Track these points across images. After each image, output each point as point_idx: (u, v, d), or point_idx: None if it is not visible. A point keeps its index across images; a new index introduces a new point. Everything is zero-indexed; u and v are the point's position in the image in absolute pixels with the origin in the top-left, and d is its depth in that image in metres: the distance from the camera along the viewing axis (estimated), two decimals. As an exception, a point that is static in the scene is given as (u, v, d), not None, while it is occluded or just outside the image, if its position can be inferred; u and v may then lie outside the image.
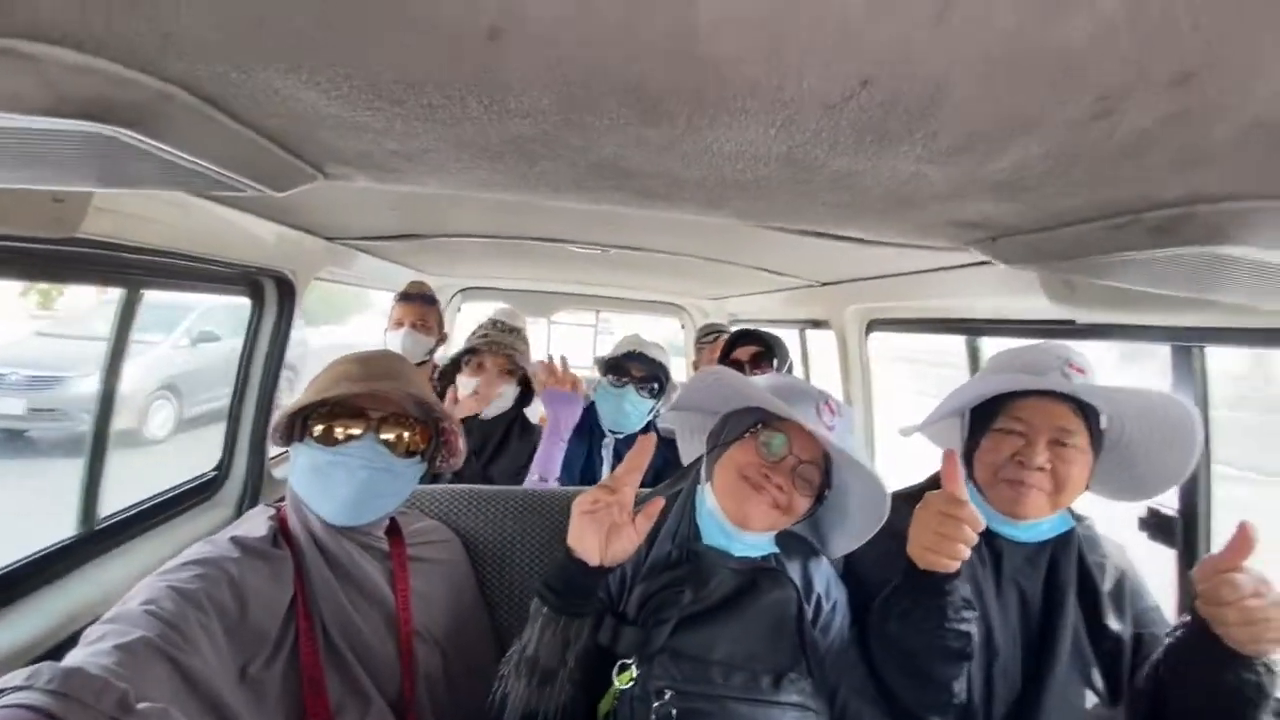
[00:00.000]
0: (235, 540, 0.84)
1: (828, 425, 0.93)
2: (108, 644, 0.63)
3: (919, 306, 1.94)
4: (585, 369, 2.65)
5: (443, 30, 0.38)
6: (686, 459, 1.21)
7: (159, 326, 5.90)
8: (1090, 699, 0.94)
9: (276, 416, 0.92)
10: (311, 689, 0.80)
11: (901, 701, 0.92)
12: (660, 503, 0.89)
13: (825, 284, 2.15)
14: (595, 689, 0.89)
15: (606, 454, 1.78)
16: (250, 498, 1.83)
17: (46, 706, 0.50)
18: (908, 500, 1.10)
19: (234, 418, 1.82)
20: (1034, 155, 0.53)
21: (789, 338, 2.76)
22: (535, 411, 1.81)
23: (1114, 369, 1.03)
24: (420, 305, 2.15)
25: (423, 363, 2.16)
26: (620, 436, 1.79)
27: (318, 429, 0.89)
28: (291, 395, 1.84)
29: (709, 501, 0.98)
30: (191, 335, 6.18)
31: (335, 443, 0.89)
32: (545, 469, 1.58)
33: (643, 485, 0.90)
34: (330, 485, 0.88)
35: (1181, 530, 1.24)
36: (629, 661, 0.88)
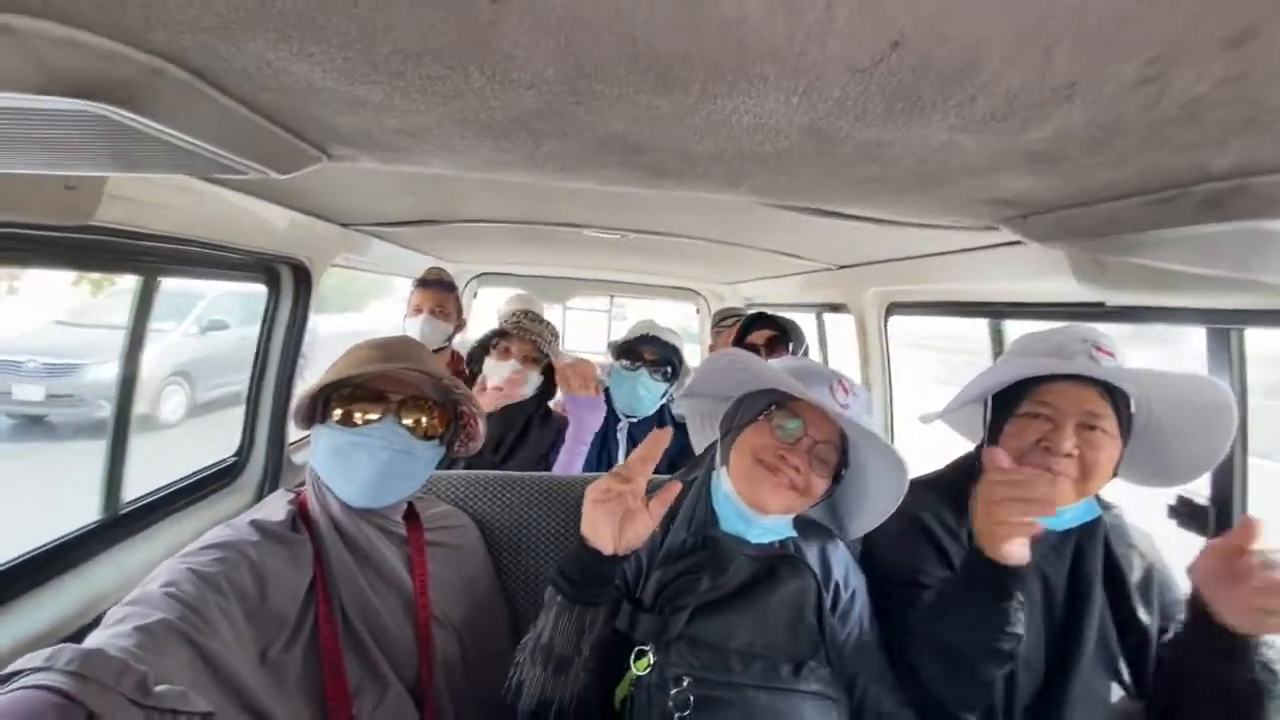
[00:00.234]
0: (255, 524, 0.85)
1: (842, 405, 0.92)
2: (128, 626, 0.64)
3: (940, 290, 1.90)
4: (599, 354, 2.64)
5: None
6: (699, 447, 1.20)
7: (169, 315, 6.05)
8: (1116, 692, 0.92)
9: (297, 398, 0.93)
10: (330, 672, 0.80)
11: (934, 694, 0.90)
12: (676, 486, 0.88)
13: (843, 267, 2.11)
14: (612, 675, 0.89)
15: (621, 438, 1.78)
16: (270, 483, 1.85)
17: (66, 688, 0.50)
18: (927, 487, 1.08)
19: (252, 404, 1.84)
20: (1076, 123, 0.50)
21: (806, 322, 2.72)
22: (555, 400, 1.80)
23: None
24: (439, 291, 2.16)
25: (441, 349, 2.16)
26: (634, 420, 1.80)
27: (338, 411, 0.90)
28: (302, 382, 1.86)
29: (725, 486, 0.97)
30: (201, 323, 6.32)
31: (356, 425, 0.90)
32: (567, 472, 1.57)
33: (657, 472, 0.89)
34: (351, 467, 0.89)
35: (1214, 519, 1.20)
36: (646, 648, 0.87)
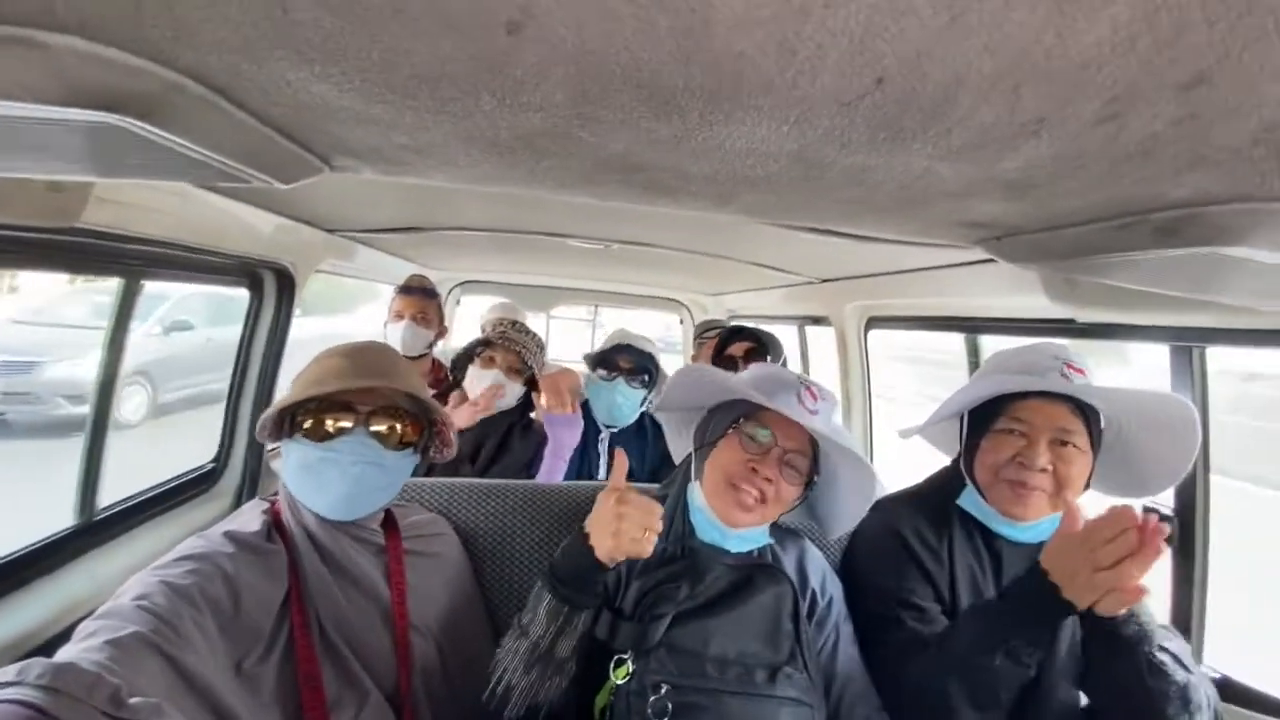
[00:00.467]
0: (229, 535, 0.83)
1: (810, 410, 0.94)
2: (100, 639, 0.63)
3: (919, 304, 1.94)
4: (581, 364, 2.65)
5: (462, 23, 0.38)
6: (678, 457, 1.21)
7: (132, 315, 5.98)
8: (1085, 699, 0.95)
9: (264, 414, 0.90)
10: (307, 683, 0.79)
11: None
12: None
13: (825, 280, 2.16)
14: (592, 684, 0.90)
15: (602, 449, 1.78)
16: (249, 489, 1.82)
17: (38, 701, 0.49)
18: (906, 501, 1.11)
19: (232, 409, 1.81)
20: (1044, 155, 0.53)
21: (788, 334, 2.76)
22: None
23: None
24: (420, 297, 2.15)
25: (421, 355, 2.15)
26: (615, 430, 1.79)
27: (307, 424, 0.88)
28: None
29: (699, 500, 0.98)
30: (164, 324, 6.16)
31: (325, 437, 0.87)
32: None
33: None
34: (323, 482, 0.87)
35: (1178, 530, 1.25)
36: (625, 656, 0.88)
